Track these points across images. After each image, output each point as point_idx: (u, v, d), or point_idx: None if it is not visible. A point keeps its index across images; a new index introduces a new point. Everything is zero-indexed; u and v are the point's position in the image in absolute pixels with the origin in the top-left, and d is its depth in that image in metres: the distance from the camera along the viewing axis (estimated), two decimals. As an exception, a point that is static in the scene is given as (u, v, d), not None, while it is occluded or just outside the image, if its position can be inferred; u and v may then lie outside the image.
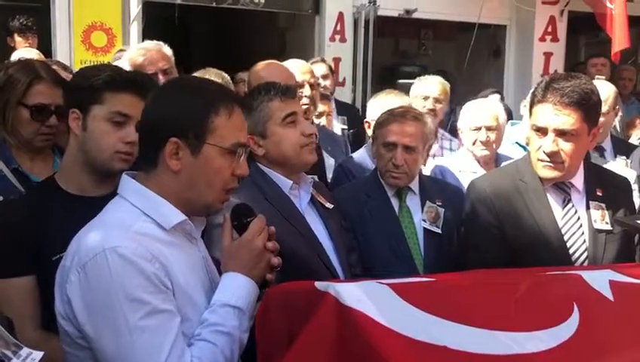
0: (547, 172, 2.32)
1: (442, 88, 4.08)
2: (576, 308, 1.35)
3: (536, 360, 1.20)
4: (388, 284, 1.33)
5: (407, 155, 2.74)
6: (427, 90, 4.05)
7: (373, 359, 1.13)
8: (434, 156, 3.92)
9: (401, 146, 2.74)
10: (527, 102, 3.90)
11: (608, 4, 6.50)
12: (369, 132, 3.64)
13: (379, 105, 3.52)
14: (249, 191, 2.20)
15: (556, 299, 1.42)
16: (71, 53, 5.81)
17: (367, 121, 3.71)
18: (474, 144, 3.47)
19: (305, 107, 3.59)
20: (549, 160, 2.29)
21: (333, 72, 5.22)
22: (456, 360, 1.16)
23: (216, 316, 1.53)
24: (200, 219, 1.69)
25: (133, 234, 1.47)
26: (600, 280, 1.50)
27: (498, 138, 3.49)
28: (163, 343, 1.41)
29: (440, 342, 1.17)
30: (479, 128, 3.44)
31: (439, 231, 2.75)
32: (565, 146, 2.26)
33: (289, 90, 2.32)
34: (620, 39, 6.27)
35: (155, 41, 3.15)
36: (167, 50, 3.10)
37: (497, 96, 5.74)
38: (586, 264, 2.29)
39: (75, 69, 4.04)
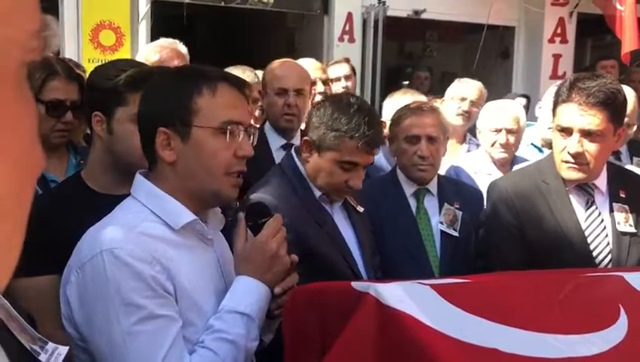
0: (571, 173, 2.29)
1: (480, 93, 4.05)
2: (622, 311, 1.31)
3: None
4: (429, 285, 1.30)
5: (431, 146, 2.72)
6: (465, 92, 4.01)
7: (420, 361, 1.09)
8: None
9: (424, 138, 2.71)
10: (542, 103, 3.88)
11: (618, 6, 6.48)
12: (385, 132, 3.61)
13: (395, 105, 3.49)
14: (281, 187, 2.17)
15: (601, 301, 1.38)
16: (79, 51, 5.79)
17: (382, 121, 3.67)
18: (492, 145, 3.43)
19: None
20: (573, 161, 2.25)
21: (355, 73, 5.18)
22: None
23: (222, 322, 1.46)
24: (217, 218, 1.64)
25: (135, 235, 1.42)
26: None
27: (517, 141, 3.44)
28: (158, 350, 1.35)
29: (490, 345, 1.13)
30: (499, 130, 3.39)
31: (457, 234, 2.72)
32: (590, 147, 2.22)
33: (371, 142, 2.14)
34: (629, 40, 6.25)
35: (170, 39, 3.13)
36: (182, 48, 3.08)
37: (524, 101, 5.69)
38: (610, 267, 2.25)
39: (84, 67, 4.01)
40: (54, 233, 1.76)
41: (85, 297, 1.40)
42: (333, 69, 4.63)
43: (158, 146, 1.47)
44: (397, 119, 2.85)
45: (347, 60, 4.91)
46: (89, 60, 5.68)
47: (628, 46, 6.22)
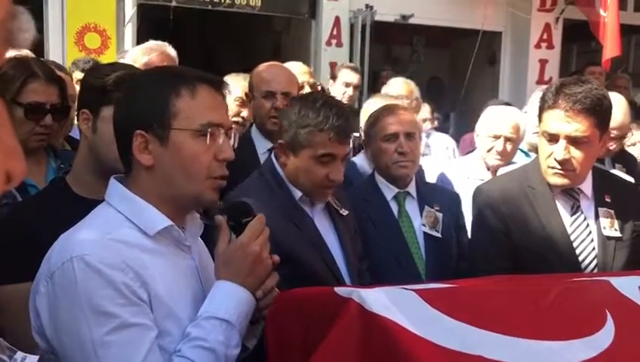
0: (558, 179, 2.28)
1: (406, 88, 4.10)
2: (609, 316, 1.30)
3: None
4: (413, 290, 1.28)
5: (410, 143, 2.74)
6: (390, 90, 4.07)
7: (405, 370, 1.07)
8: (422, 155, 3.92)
9: (402, 135, 2.73)
10: (527, 108, 3.87)
11: (602, 12, 6.53)
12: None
13: (371, 110, 3.49)
14: (259, 191, 2.14)
15: (588, 306, 1.37)
16: (64, 54, 5.75)
17: (361, 127, 3.67)
18: (489, 151, 3.39)
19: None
20: (560, 167, 2.24)
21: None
22: None
23: (200, 330, 1.40)
24: (195, 224, 1.58)
25: (108, 242, 1.36)
26: (629, 286, 1.45)
27: (514, 149, 3.40)
28: (131, 359, 1.30)
29: (475, 352, 1.11)
30: (498, 137, 3.34)
31: (439, 235, 2.72)
32: (577, 154, 2.22)
33: (344, 132, 2.15)
34: (611, 47, 6.31)
35: (159, 41, 3.11)
36: (172, 51, 3.07)
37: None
38: (595, 271, 2.25)
39: (67, 69, 3.97)
40: (39, 241, 1.72)
41: (55, 306, 1.33)
42: (346, 73, 4.75)
43: (135, 150, 1.42)
44: (373, 121, 2.86)
45: (357, 70, 5.01)
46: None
47: (609, 52, 6.27)
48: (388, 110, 2.84)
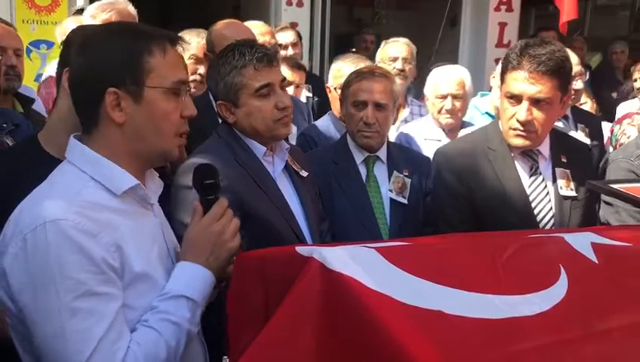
0: (519, 140, 2.31)
1: (409, 49, 4.08)
2: (563, 271, 1.34)
3: (532, 323, 1.18)
4: (374, 248, 1.29)
5: (378, 113, 2.70)
6: (394, 52, 4.04)
7: (367, 326, 1.07)
8: (405, 121, 3.92)
9: (371, 104, 2.70)
10: (496, 73, 3.90)
11: (558, -25, 6.57)
12: (331, 97, 3.57)
13: (340, 69, 3.45)
14: (220, 152, 2.11)
15: (542, 262, 1.40)
16: (12, 11, 5.47)
17: (328, 87, 3.64)
18: (439, 112, 3.45)
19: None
20: (522, 128, 2.27)
21: (301, 38, 5.08)
22: (454, 325, 1.11)
23: (167, 304, 1.45)
24: (156, 183, 1.61)
25: (79, 204, 1.36)
26: (582, 242, 1.49)
27: (463, 106, 3.48)
28: (95, 327, 1.31)
29: (435, 307, 1.12)
30: (445, 96, 3.42)
31: (406, 201, 2.73)
32: (539, 115, 2.25)
33: (266, 57, 2.14)
34: (568, 10, 6.38)
35: None
36: (132, 10, 2.99)
37: None
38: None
39: (17, 28, 3.77)
40: (8, 200, 1.65)
41: (25, 270, 1.33)
42: (278, 36, 4.55)
43: (108, 107, 1.43)
44: (348, 82, 2.83)
45: (292, 26, 4.82)
46: (23, 21, 5.39)
47: (566, 15, 6.35)
48: (364, 75, 2.78)
